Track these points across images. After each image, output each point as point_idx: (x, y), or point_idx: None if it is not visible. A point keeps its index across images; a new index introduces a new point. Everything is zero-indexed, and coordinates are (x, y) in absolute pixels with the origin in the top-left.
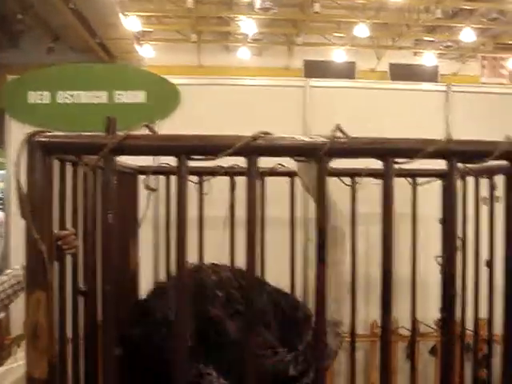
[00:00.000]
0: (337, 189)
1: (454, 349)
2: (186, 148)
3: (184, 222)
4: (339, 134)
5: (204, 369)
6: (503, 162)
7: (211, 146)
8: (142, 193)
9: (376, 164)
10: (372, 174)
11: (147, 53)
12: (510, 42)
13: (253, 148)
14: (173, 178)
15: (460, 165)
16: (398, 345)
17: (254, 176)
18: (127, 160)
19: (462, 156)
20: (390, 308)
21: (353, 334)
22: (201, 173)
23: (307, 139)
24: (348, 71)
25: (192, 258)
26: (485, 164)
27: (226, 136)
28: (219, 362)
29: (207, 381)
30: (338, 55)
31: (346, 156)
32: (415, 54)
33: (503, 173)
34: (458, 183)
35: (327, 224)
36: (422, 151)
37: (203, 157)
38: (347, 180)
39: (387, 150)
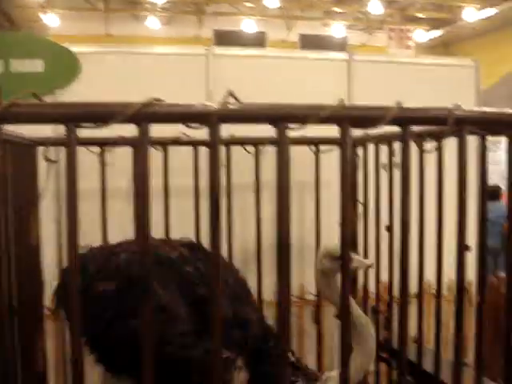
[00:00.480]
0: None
1: (348, 312)
2: (73, 116)
3: (74, 196)
4: (232, 100)
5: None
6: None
7: (100, 113)
8: (42, 165)
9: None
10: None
11: (52, 22)
12: (416, 14)
13: (144, 115)
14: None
15: (361, 132)
16: (304, 310)
17: (146, 144)
18: (29, 131)
19: (354, 121)
20: (288, 274)
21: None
22: (103, 143)
23: (199, 105)
24: (258, 41)
25: (95, 230)
26: (384, 130)
27: (116, 103)
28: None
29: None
30: (249, 25)
31: (239, 122)
32: (324, 25)
33: (399, 139)
34: (360, 151)
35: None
36: (315, 116)
37: (93, 125)
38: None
39: (279, 116)
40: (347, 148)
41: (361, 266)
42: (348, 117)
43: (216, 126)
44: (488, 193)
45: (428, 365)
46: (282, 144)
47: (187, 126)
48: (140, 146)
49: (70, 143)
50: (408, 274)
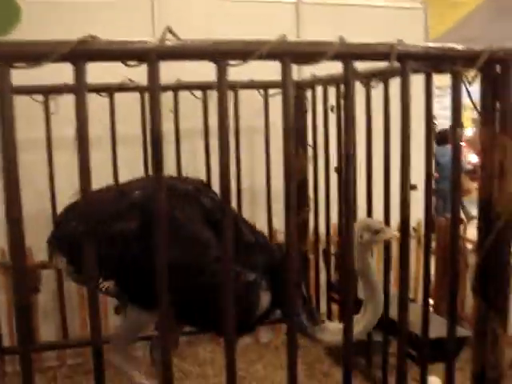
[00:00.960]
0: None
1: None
2: (5, 54)
3: (13, 144)
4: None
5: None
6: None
7: (34, 52)
8: None
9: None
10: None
11: None
12: None
13: (79, 53)
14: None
15: (309, 75)
16: None
17: (83, 86)
18: None
19: (295, 57)
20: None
21: None
22: (46, 91)
23: (136, 42)
24: None
25: (42, 181)
26: (333, 72)
27: (50, 41)
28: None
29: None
30: None
31: (178, 58)
32: None
33: (343, 82)
34: (309, 93)
35: None
36: (256, 52)
37: (25, 64)
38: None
39: (219, 52)
40: (290, 85)
41: (391, 237)
42: (290, 52)
43: (155, 64)
44: (438, 137)
45: None
46: (222, 83)
47: (125, 65)
48: (77, 87)
49: (3, 86)
50: (351, 214)
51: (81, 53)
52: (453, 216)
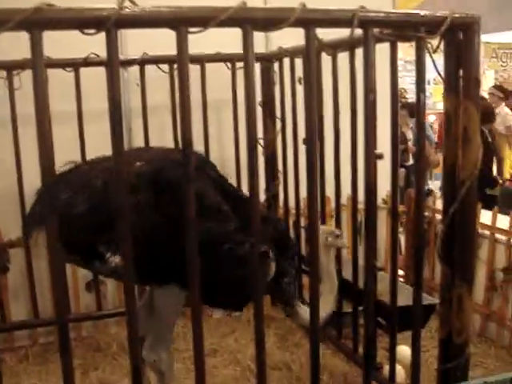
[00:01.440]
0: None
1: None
2: None
3: None
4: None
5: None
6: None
7: None
8: None
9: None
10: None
11: None
12: None
13: (36, 21)
14: None
15: (275, 49)
16: None
17: (40, 56)
18: None
19: (256, 23)
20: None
21: None
22: (10, 67)
23: (94, 9)
24: None
25: (8, 159)
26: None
27: (4, 9)
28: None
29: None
30: None
31: (136, 26)
32: None
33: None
34: (276, 65)
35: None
36: (216, 19)
37: None
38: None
39: (179, 19)
40: (251, 54)
41: (343, 247)
42: (250, 19)
43: (112, 32)
44: (410, 110)
45: (348, 273)
46: (182, 51)
47: (82, 33)
48: (33, 57)
49: None
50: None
51: (36, 21)
52: (417, 182)
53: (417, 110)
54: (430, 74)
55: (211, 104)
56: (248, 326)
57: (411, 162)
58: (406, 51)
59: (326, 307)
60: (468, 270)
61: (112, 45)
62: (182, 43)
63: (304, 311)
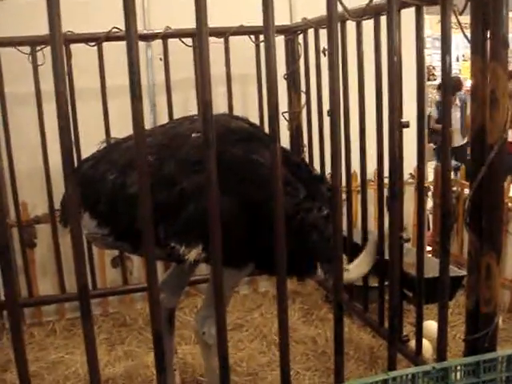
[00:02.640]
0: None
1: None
2: None
3: None
4: None
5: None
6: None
7: None
8: None
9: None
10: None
11: None
12: None
13: None
14: None
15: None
16: None
17: (57, 27)
18: None
19: None
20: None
21: None
22: (33, 43)
23: None
24: None
25: (33, 136)
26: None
27: None
28: None
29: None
30: None
31: None
32: None
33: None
34: (300, 37)
35: None
36: None
37: None
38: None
39: None
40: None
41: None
42: None
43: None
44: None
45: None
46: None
47: None
48: (51, 28)
49: None
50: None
51: None
52: (444, 151)
53: (442, 72)
54: (460, 50)
55: (235, 78)
56: (274, 301)
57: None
58: (435, 28)
59: (359, 270)
60: (496, 237)
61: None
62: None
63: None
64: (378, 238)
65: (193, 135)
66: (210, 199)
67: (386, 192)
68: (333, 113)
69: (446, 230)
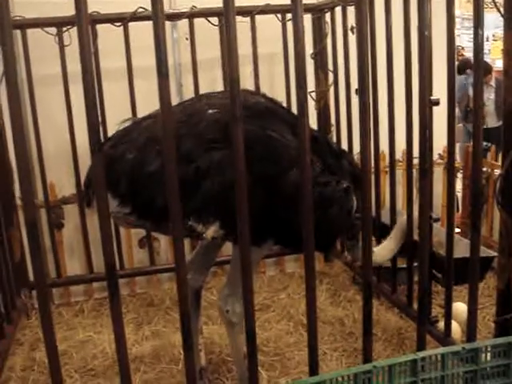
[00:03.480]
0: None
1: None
2: None
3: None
4: None
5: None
6: None
7: None
8: None
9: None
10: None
11: None
12: None
13: None
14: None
15: None
16: None
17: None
18: None
19: None
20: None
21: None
22: (59, 24)
23: None
24: None
25: (59, 116)
26: None
27: None
28: None
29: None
30: None
31: None
32: None
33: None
34: (327, 15)
35: None
36: None
37: None
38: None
39: None
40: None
41: None
42: None
43: None
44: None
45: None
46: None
47: None
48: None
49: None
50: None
51: None
52: (475, 131)
53: (474, 47)
54: (489, 30)
55: (262, 57)
56: (301, 282)
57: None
58: (464, 7)
59: (385, 253)
60: None
61: None
62: None
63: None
64: (406, 220)
65: (209, 111)
66: (237, 176)
67: (414, 172)
68: (362, 92)
69: (477, 209)
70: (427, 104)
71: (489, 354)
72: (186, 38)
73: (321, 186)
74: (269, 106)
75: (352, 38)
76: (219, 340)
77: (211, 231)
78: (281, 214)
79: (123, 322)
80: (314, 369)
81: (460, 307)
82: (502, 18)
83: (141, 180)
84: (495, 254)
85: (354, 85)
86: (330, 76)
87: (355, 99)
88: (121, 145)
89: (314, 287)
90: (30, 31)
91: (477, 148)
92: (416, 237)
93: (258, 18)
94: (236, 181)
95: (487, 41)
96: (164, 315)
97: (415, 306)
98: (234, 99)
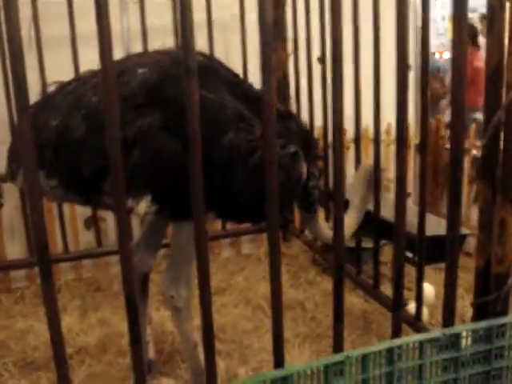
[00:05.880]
0: None
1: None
2: None
3: None
4: None
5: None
6: None
7: None
8: None
9: None
10: None
11: None
12: None
13: None
14: None
15: None
16: None
17: None
18: None
19: None
20: None
21: None
22: None
23: None
24: None
25: None
26: None
27: None
28: None
29: None
30: None
31: None
32: None
33: None
34: None
35: None
36: None
37: None
38: None
39: None
40: None
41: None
42: None
43: None
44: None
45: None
46: None
47: None
48: None
49: None
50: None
51: None
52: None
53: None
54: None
55: (218, 24)
56: (258, 264)
57: None
58: None
59: (350, 224)
60: None
61: None
62: None
63: (324, 223)
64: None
65: (139, 71)
66: (191, 141)
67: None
68: (335, 62)
69: (456, 183)
70: (405, 68)
71: (470, 339)
72: (135, 2)
73: (261, 151)
74: (205, 63)
75: (314, 4)
76: (172, 327)
77: (142, 206)
78: (217, 181)
79: (58, 311)
80: (279, 360)
81: (426, 288)
82: None
83: (66, 148)
84: (467, 231)
85: (316, 53)
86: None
87: (317, 69)
88: (44, 111)
89: (280, 273)
90: None
91: (456, 120)
92: (384, 214)
93: None
94: (190, 147)
95: (442, 20)
96: (112, 301)
97: (382, 288)
98: (186, 48)
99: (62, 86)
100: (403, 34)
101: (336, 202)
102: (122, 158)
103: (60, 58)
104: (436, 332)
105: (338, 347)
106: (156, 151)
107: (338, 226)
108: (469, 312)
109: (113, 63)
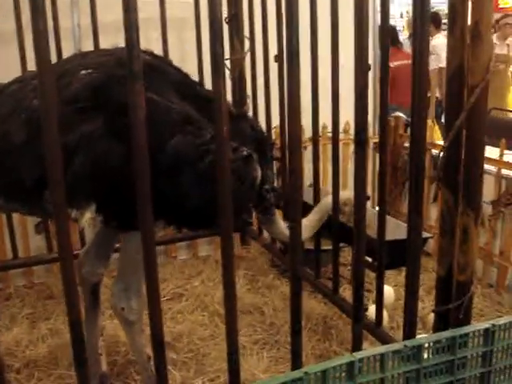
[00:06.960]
0: None
1: None
2: None
3: None
4: None
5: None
6: None
7: None
8: None
9: None
10: None
11: None
12: None
13: None
14: None
15: None
16: None
17: None
18: None
19: None
20: None
21: None
22: None
23: None
24: None
25: None
26: None
27: None
28: None
29: None
30: None
31: None
32: None
33: None
34: None
35: None
36: None
37: None
38: None
39: None
40: None
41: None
42: None
43: None
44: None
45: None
46: None
47: None
48: None
49: None
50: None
51: None
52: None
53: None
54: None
55: (172, 22)
56: (216, 267)
57: None
58: None
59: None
60: (475, 194)
61: None
62: None
63: (282, 223)
64: (331, 200)
65: (82, 72)
66: (136, 147)
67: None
68: (290, 59)
69: (418, 182)
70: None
71: (431, 351)
72: None
73: (214, 154)
74: (152, 63)
75: (271, 2)
76: (125, 338)
77: (87, 217)
78: (165, 188)
79: None
80: (235, 372)
81: (386, 291)
82: None
83: (5, 155)
84: (428, 234)
85: (273, 51)
86: (246, 43)
87: (274, 67)
88: None
89: (233, 279)
90: None
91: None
92: (342, 217)
93: None
94: (135, 153)
95: (401, 17)
96: (64, 309)
97: (341, 292)
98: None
99: (2, 88)
100: (362, 32)
101: (292, 210)
102: (63, 165)
103: (6, 55)
104: (397, 344)
105: (296, 363)
106: (99, 157)
107: (295, 234)
108: (429, 314)
109: (50, 65)
